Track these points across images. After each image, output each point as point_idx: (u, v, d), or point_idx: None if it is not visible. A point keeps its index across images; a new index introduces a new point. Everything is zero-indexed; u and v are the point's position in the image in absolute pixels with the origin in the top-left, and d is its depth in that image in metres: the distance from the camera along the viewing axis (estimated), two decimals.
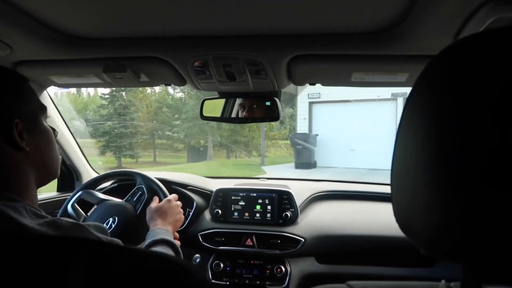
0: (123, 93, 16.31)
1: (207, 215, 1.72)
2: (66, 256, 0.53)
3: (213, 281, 1.57)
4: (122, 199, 1.49)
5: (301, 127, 13.69)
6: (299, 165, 12.04)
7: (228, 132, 17.14)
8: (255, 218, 1.64)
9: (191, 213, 1.68)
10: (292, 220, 1.60)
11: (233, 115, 1.44)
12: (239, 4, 0.79)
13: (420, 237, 0.40)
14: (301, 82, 1.23)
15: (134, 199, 1.49)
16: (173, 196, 1.35)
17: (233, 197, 1.68)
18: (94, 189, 1.58)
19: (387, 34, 0.88)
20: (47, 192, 1.84)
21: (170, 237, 1.12)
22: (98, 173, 1.93)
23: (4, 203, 0.64)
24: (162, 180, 1.52)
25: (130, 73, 1.14)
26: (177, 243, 1.14)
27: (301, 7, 0.80)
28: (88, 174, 1.93)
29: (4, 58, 1.10)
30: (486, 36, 0.35)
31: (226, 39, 0.97)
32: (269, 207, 1.64)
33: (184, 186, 1.77)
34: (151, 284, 0.55)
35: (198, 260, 1.62)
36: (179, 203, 1.33)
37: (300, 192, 1.73)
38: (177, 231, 1.28)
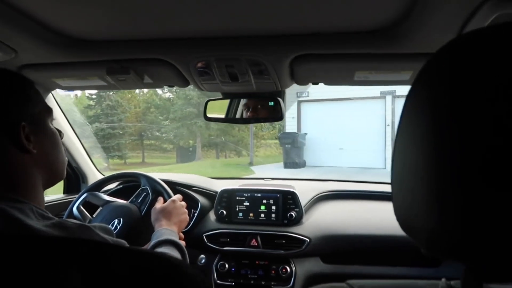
0: (111, 93, 16.16)
1: (212, 215, 1.72)
2: (67, 257, 0.54)
3: (218, 281, 1.57)
4: (127, 200, 1.49)
5: (290, 126, 13.71)
6: (288, 165, 12.07)
7: (217, 132, 17.11)
8: (260, 218, 1.64)
9: (196, 214, 1.68)
10: (297, 220, 1.60)
11: (237, 115, 1.44)
12: (240, 5, 0.79)
13: (421, 236, 0.40)
14: (304, 82, 1.23)
15: (139, 200, 1.49)
16: (178, 196, 1.35)
17: (237, 198, 1.68)
18: (99, 191, 1.58)
19: (389, 33, 0.88)
20: (54, 194, 1.83)
21: (175, 238, 1.11)
22: (104, 175, 1.92)
23: (11, 205, 0.64)
24: (166, 181, 1.51)
25: (134, 75, 1.14)
26: (182, 243, 1.14)
27: (302, 6, 0.80)
28: (94, 176, 1.92)
29: (9, 62, 1.09)
30: (484, 33, 0.35)
31: (228, 40, 0.97)
32: (273, 207, 1.64)
33: (189, 187, 1.77)
34: (151, 286, 0.56)
35: (203, 261, 1.62)
36: (183, 203, 1.32)
37: (304, 192, 1.73)
38: (182, 232, 1.27)
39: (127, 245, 0.75)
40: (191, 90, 16.69)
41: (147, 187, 1.49)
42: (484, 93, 0.33)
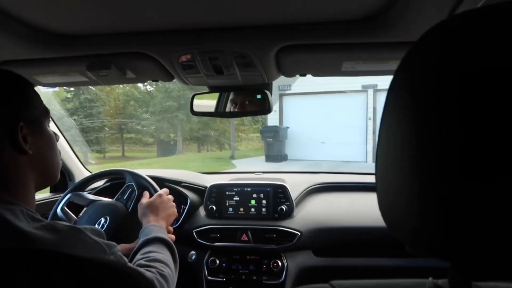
0: (89, 86, 15.84)
1: (201, 211, 1.70)
2: (13, 267, 0.55)
3: (209, 277, 1.56)
4: (113, 198, 1.46)
5: (272, 120, 13.75)
6: (269, 158, 12.11)
7: (198, 126, 17.00)
8: (250, 213, 1.63)
9: (185, 210, 1.66)
10: (288, 214, 1.60)
11: (224, 109, 1.42)
12: None
13: (404, 234, 0.40)
14: (291, 74, 1.22)
15: (125, 197, 1.46)
16: (164, 190, 1.32)
17: (227, 193, 1.66)
18: (83, 190, 1.54)
19: (376, 21, 0.87)
20: (40, 193, 1.76)
21: (163, 234, 1.09)
22: (91, 172, 1.87)
23: (2, 206, 0.64)
24: (154, 178, 1.49)
25: (116, 70, 1.11)
26: (172, 237, 1.13)
27: None
28: (80, 173, 1.88)
29: None
30: (465, 18, 0.34)
31: (211, 32, 0.95)
32: (264, 201, 1.63)
33: (178, 183, 1.74)
34: None
35: (193, 257, 1.60)
36: (170, 197, 1.30)
37: (295, 185, 1.73)
38: (172, 229, 1.26)
39: (118, 247, 0.74)
40: (171, 84, 16.53)
41: (132, 183, 1.46)
42: (460, 84, 0.32)
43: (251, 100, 1.37)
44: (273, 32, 0.93)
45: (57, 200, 1.48)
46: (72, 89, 16.17)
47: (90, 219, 1.35)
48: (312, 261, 1.55)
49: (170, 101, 17.39)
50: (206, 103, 1.41)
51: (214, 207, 1.65)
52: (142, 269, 0.80)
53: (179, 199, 1.64)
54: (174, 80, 1.28)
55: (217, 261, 1.56)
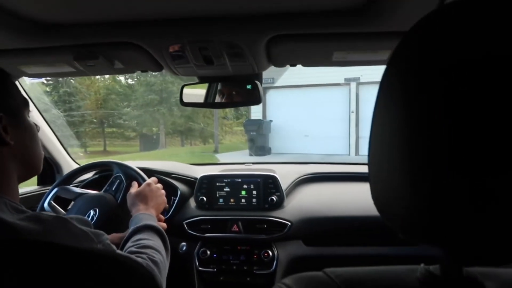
0: (68, 79, 15.47)
1: (192, 202, 1.69)
2: (2, 259, 0.55)
3: (200, 268, 1.55)
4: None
5: (255, 113, 13.73)
6: (253, 152, 12.12)
7: (181, 120, 16.86)
8: (241, 203, 1.63)
9: (175, 202, 1.65)
10: (278, 204, 1.60)
11: (214, 100, 1.41)
12: None
13: (396, 221, 0.41)
14: (281, 64, 1.21)
15: (113, 188, 1.45)
16: (153, 179, 1.31)
17: (217, 184, 1.66)
18: (70, 184, 1.52)
19: (367, 11, 0.86)
20: (27, 186, 1.74)
21: (153, 222, 1.08)
22: (79, 164, 1.84)
23: None
24: (144, 169, 1.47)
25: (103, 60, 1.09)
26: (163, 225, 1.14)
27: None
28: (68, 166, 1.85)
29: None
30: (453, 9, 0.34)
31: (200, 21, 0.94)
32: (254, 192, 1.63)
33: (168, 174, 1.73)
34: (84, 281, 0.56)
35: (184, 248, 1.59)
36: (159, 185, 1.29)
37: (285, 175, 1.73)
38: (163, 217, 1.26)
39: (106, 235, 0.74)
40: (153, 77, 16.33)
41: (120, 174, 1.45)
42: (446, 77, 0.33)
43: (241, 91, 1.37)
44: (264, 22, 0.93)
45: (45, 192, 1.45)
46: (51, 82, 15.78)
47: (79, 212, 1.33)
48: (302, 250, 1.56)
49: (152, 94, 17.18)
50: (196, 92, 1.40)
51: (205, 198, 1.64)
52: (132, 256, 0.79)
53: (169, 190, 1.63)
54: (156, 73, 1.26)
55: (208, 252, 1.56)
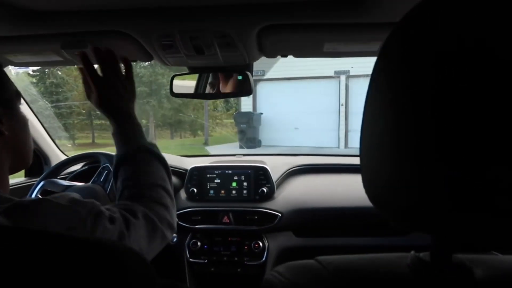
0: (55, 70, 15.21)
1: (182, 194, 1.69)
2: None
3: (191, 260, 1.56)
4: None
5: (246, 106, 13.70)
6: (243, 144, 12.11)
7: (171, 112, 16.74)
8: (232, 195, 1.63)
9: None
10: (269, 196, 1.61)
11: (204, 91, 1.40)
12: None
13: (388, 209, 0.41)
14: (272, 54, 1.21)
15: (101, 179, 1.44)
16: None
17: (208, 175, 1.66)
18: (57, 176, 1.50)
19: (358, 1, 0.86)
20: (14, 177, 1.72)
21: (144, 138, 0.90)
22: (67, 156, 1.81)
23: None
24: None
25: (92, 49, 1.07)
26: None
27: None
28: (56, 157, 1.83)
29: None
30: (442, 0, 0.34)
31: (191, 10, 0.93)
32: (245, 183, 1.63)
33: None
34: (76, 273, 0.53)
35: (175, 239, 1.59)
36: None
37: (276, 167, 1.74)
38: None
39: (97, 203, 0.69)
40: (142, 68, 16.14)
41: (108, 164, 1.44)
42: (430, 68, 0.33)
43: (231, 81, 1.36)
44: (255, 11, 0.92)
45: (32, 184, 1.43)
46: (37, 73, 15.49)
47: None
48: (292, 241, 1.57)
49: (142, 86, 16.99)
50: (187, 84, 1.39)
51: (195, 190, 1.64)
52: (120, 243, 0.67)
53: None
54: (145, 65, 1.25)
55: (199, 243, 1.56)
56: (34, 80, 16.03)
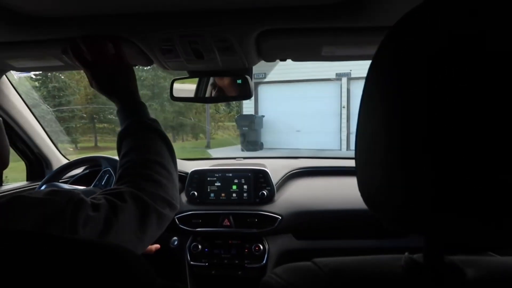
0: (57, 74, 15.26)
1: (183, 197, 1.69)
2: None
3: (191, 262, 1.56)
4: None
5: (247, 109, 13.72)
6: (245, 147, 12.11)
7: (173, 115, 16.78)
8: (232, 198, 1.64)
9: None
10: (269, 198, 1.62)
11: (204, 94, 1.41)
12: None
13: (383, 211, 0.42)
14: (271, 58, 1.21)
15: (103, 183, 1.45)
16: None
17: (208, 178, 1.67)
18: (59, 180, 1.51)
19: (355, 5, 0.86)
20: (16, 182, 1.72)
21: (142, 113, 0.89)
22: (69, 159, 1.83)
23: None
24: None
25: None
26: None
27: None
28: (58, 161, 1.84)
29: None
30: (437, 4, 0.35)
31: (191, 15, 0.93)
32: (245, 186, 1.64)
33: None
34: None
35: (175, 243, 1.60)
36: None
37: (276, 170, 1.74)
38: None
39: (78, 192, 0.66)
40: (144, 71, 16.19)
41: (109, 168, 1.45)
42: (418, 68, 0.34)
43: (231, 85, 1.37)
44: (253, 16, 0.92)
45: (34, 188, 1.44)
46: (39, 77, 15.55)
47: None
48: (293, 244, 1.57)
49: (144, 89, 17.04)
50: (187, 87, 1.40)
51: (196, 193, 1.65)
52: (119, 245, 0.60)
53: None
54: (147, 68, 1.25)
55: (199, 246, 1.57)
56: (36, 84, 16.07)
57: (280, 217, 1.55)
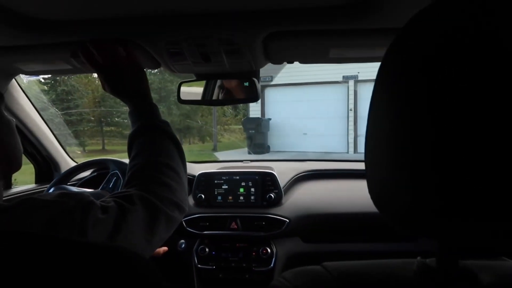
0: (66, 78, 15.41)
1: (190, 200, 1.69)
2: None
3: (199, 266, 1.56)
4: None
5: (254, 112, 13.73)
6: (252, 150, 12.11)
7: (180, 118, 16.84)
8: (239, 201, 1.64)
9: None
10: (276, 201, 1.61)
11: (212, 97, 1.41)
12: None
13: (394, 214, 0.41)
14: (278, 61, 1.21)
15: (110, 186, 1.45)
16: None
17: (216, 181, 1.66)
18: (68, 182, 1.52)
19: (363, 7, 0.86)
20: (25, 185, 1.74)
21: (152, 115, 0.90)
22: (77, 162, 1.84)
23: None
24: None
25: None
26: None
27: None
28: (66, 164, 1.85)
29: None
30: (444, 5, 0.34)
31: (198, 18, 0.93)
32: (252, 189, 1.63)
33: None
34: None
35: (183, 245, 1.60)
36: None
37: (283, 172, 1.74)
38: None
39: (88, 194, 0.67)
40: (151, 75, 16.29)
41: (117, 171, 1.45)
42: (424, 75, 0.33)
43: (238, 88, 1.37)
44: (261, 19, 0.92)
45: (43, 191, 1.45)
46: (48, 80, 15.70)
47: None
48: (300, 247, 1.56)
49: (151, 93, 17.13)
50: (194, 90, 1.40)
51: (203, 196, 1.65)
52: (125, 248, 0.60)
53: None
54: (155, 71, 1.26)
55: (207, 249, 1.57)
56: (45, 88, 16.23)
57: (287, 220, 1.54)
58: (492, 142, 0.30)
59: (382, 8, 0.84)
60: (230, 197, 1.64)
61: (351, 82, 11.81)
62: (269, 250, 1.53)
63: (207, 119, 17.47)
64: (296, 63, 1.24)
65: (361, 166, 1.85)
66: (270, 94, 13.36)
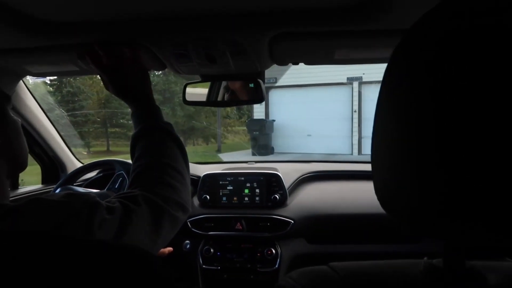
0: (71, 79, 15.48)
1: (195, 201, 1.70)
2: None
3: (204, 266, 1.56)
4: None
5: (258, 113, 13.72)
6: (256, 151, 12.10)
7: (184, 119, 16.87)
8: (244, 202, 1.64)
9: None
10: (281, 202, 1.61)
11: (217, 98, 1.41)
12: None
13: (400, 214, 0.41)
14: (283, 62, 1.21)
15: (116, 186, 1.46)
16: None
17: (221, 182, 1.67)
18: (74, 183, 1.52)
19: (369, 8, 0.86)
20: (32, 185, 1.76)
21: (155, 116, 0.91)
22: (83, 163, 1.85)
23: None
24: None
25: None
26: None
27: None
28: (72, 165, 1.86)
29: None
30: (451, 7, 0.34)
31: (204, 19, 0.93)
32: (257, 190, 1.64)
33: None
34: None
35: (188, 246, 1.60)
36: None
37: (288, 174, 1.74)
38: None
39: (93, 195, 0.68)
40: (155, 76, 16.32)
41: (122, 171, 1.46)
42: (427, 77, 0.33)
43: (243, 89, 1.37)
44: (266, 20, 0.92)
45: (49, 191, 1.46)
46: (54, 82, 15.78)
47: None
48: (305, 248, 1.57)
49: (155, 94, 16.97)
50: (199, 91, 1.40)
51: (208, 197, 1.65)
52: (139, 247, 0.61)
53: None
54: (159, 73, 1.26)
55: (212, 250, 1.57)
56: (51, 89, 16.31)
57: (292, 221, 1.55)
58: (498, 143, 0.30)
59: (388, 9, 0.84)
60: (235, 198, 1.65)
61: (356, 84, 11.78)
62: (274, 251, 1.53)
63: (211, 120, 17.49)
64: (301, 65, 1.24)
65: (366, 167, 1.85)
66: (274, 96, 13.34)
